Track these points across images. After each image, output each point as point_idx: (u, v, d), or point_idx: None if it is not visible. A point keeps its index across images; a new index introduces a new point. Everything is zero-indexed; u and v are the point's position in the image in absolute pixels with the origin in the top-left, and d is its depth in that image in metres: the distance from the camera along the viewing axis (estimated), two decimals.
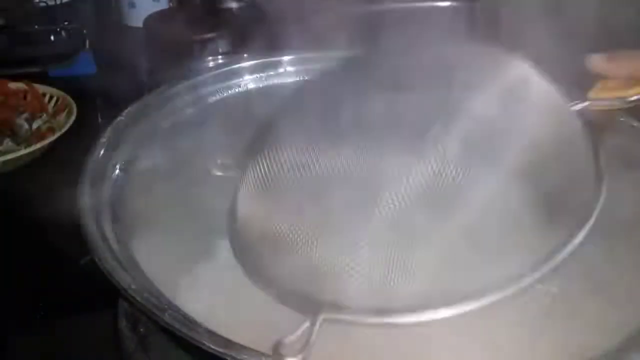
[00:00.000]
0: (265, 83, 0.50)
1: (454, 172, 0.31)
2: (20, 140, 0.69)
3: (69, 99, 0.74)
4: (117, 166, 0.39)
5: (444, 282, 0.31)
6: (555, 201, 0.34)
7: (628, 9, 0.56)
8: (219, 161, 0.45)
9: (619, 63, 0.41)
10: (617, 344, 0.29)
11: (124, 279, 0.29)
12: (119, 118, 0.41)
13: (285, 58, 0.51)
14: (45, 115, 0.73)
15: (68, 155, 0.66)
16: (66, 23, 0.92)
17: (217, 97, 0.48)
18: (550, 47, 0.46)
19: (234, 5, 0.96)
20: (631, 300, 0.34)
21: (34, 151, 0.66)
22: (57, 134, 0.69)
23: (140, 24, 0.89)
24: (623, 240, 0.37)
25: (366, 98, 0.34)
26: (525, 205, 0.34)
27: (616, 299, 0.34)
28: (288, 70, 0.51)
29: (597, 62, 0.41)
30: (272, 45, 0.56)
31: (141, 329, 0.35)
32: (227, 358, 0.26)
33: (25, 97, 0.75)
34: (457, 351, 0.31)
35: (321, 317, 0.28)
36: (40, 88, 0.76)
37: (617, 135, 0.42)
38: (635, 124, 0.43)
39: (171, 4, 1.01)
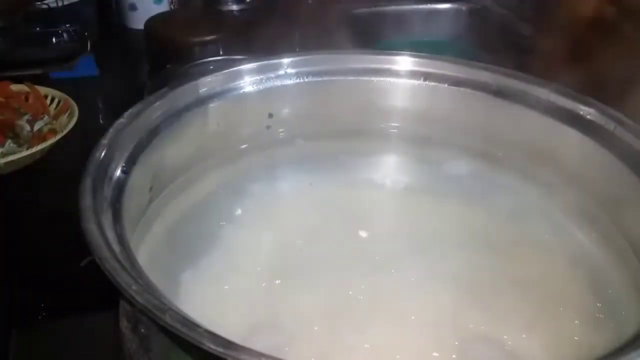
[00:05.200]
0: (266, 85, 0.50)
1: None
2: (22, 141, 0.69)
3: (70, 100, 0.74)
4: (118, 167, 0.39)
5: None
6: None
7: None
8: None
9: None
10: (617, 344, 0.30)
11: (124, 279, 0.29)
12: (120, 119, 0.41)
13: (286, 60, 0.51)
14: (46, 116, 0.73)
15: (69, 156, 0.66)
16: (68, 25, 0.92)
17: (218, 99, 0.48)
18: None
19: (234, 7, 0.96)
20: None
21: (35, 152, 0.66)
22: (59, 136, 0.69)
23: (141, 27, 0.89)
24: None
25: None
26: None
27: None
28: (289, 72, 0.51)
29: None
30: (273, 47, 0.56)
31: (142, 330, 0.35)
32: (227, 358, 0.26)
33: (27, 99, 0.75)
34: None
35: None
36: (42, 90, 0.76)
37: None
38: None
39: (172, 7, 1.01)
